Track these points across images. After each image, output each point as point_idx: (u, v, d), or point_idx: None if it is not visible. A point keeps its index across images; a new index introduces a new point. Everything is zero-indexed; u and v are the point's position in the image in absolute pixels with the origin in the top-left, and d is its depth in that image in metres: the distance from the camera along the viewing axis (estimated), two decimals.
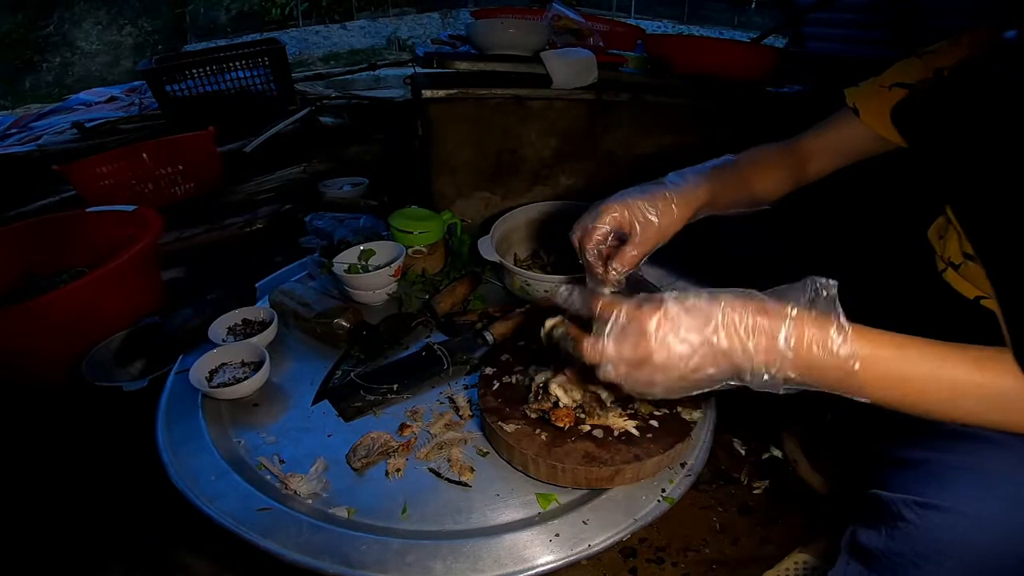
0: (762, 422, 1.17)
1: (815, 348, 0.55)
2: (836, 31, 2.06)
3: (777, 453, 1.12)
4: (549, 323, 0.83)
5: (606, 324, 0.61)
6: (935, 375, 0.55)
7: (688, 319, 0.58)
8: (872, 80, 0.86)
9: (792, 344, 0.55)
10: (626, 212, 0.81)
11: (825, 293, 0.57)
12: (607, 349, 0.61)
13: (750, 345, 0.56)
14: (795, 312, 0.56)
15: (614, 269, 0.83)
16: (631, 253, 0.82)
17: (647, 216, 0.80)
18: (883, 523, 0.65)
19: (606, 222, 0.81)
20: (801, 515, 1.03)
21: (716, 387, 0.61)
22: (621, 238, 0.84)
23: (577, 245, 0.86)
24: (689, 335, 0.57)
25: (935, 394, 0.56)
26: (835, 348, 0.55)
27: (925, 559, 0.60)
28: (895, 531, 0.63)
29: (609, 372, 0.62)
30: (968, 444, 0.60)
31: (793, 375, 0.56)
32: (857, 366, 0.54)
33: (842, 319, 0.55)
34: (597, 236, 0.82)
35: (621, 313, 0.60)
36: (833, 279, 0.58)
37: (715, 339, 0.57)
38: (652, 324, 0.58)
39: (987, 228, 0.64)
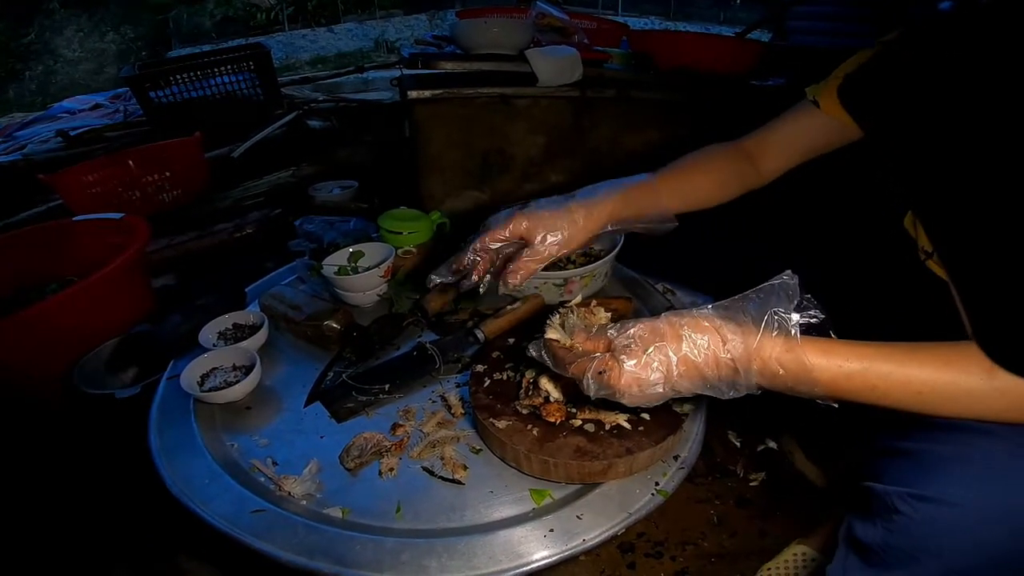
0: (757, 414, 1.17)
1: (779, 377, 0.58)
2: (819, 24, 2.09)
3: (773, 445, 1.13)
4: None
5: (581, 379, 0.66)
6: (903, 379, 0.56)
7: (651, 372, 0.61)
8: (831, 76, 0.86)
9: (756, 372, 0.59)
10: (530, 224, 0.85)
11: (785, 321, 0.59)
12: (591, 393, 0.66)
13: (715, 378, 0.60)
14: (756, 343, 0.58)
15: (509, 279, 0.86)
16: (526, 263, 0.85)
17: (549, 230, 0.84)
18: (878, 516, 0.65)
19: (509, 229, 0.86)
20: (799, 507, 1.02)
21: None
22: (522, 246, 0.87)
23: (473, 240, 0.89)
24: (654, 389, 0.62)
25: (904, 396, 0.57)
26: (799, 378, 0.57)
27: (923, 551, 0.60)
28: (891, 524, 0.63)
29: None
30: (961, 435, 0.60)
31: (761, 389, 0.61)
32: (820, 391, 0.57)
33: (808, 358, 0.57)
34: (498, 238, 0.87)
35: (589, 375, 0.65)
36: (794, 282, 0.60)
37: (679, 383, 0.61)
38: (620, 384, 0.62)
39: (935, 205, 0.64)
